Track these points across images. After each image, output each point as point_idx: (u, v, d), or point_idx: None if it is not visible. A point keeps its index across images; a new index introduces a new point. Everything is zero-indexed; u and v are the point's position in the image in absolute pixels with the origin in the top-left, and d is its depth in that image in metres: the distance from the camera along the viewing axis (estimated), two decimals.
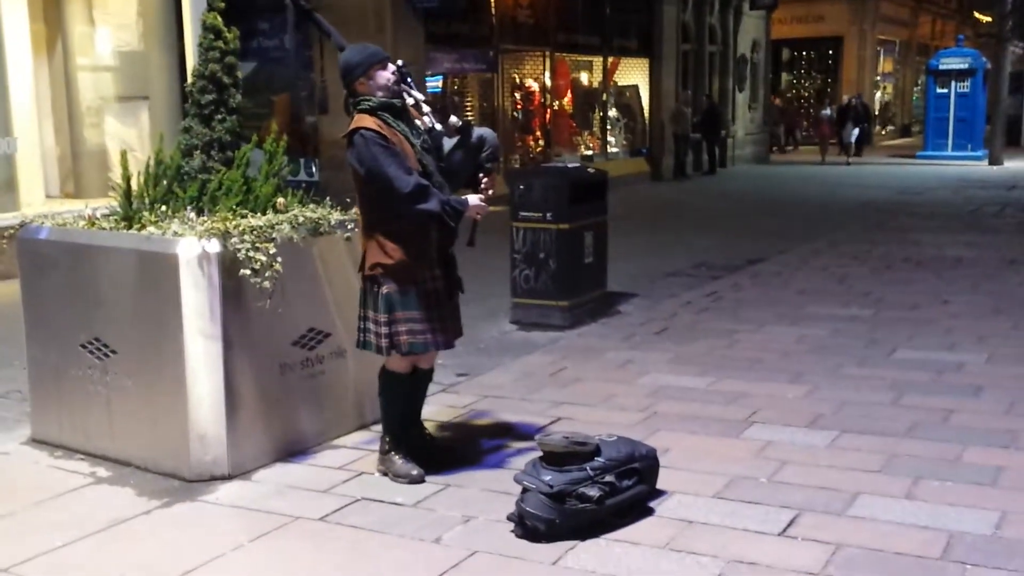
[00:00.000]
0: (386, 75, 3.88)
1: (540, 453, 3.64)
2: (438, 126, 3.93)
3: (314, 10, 4.17)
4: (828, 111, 23.93)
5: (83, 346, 4.31)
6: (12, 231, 4.64)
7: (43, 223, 4.56)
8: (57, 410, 4.51)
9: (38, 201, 9.60)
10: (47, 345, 4.52)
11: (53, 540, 3.52)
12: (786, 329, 6.68)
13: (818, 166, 22.60)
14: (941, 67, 24.75)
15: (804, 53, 32.91)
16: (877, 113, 32.79)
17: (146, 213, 4.31)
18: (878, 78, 33.86)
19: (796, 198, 16.13)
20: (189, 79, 4.68)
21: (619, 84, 19.79)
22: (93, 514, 3.75)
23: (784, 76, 32.94)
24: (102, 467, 4.23)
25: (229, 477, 4.06)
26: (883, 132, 33.27)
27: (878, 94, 33.95)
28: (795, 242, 10.75)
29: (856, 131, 23.49)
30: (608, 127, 19.29)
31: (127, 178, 4.40)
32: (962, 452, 4.28)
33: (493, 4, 15.43)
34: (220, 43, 4.48)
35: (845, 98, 24.76)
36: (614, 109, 19.58)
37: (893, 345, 6.17)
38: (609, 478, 3.54)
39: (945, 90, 24.51)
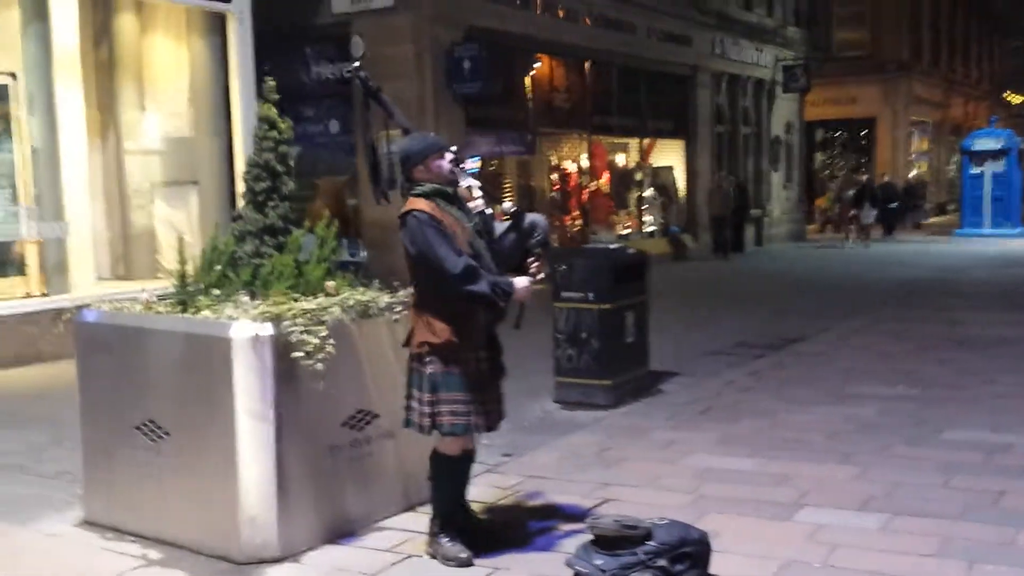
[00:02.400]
0: (443, 164, 4.00)
1: (590, 536, 3.62)
2: (489, 210, 4.02)
3: (380, 90, 4.31)
4: (851, 192, 23.48)
5: (137, 427, 4.37)
6: (69, 314, 4.76)
7: (100, 307, 4.68)
8: (109, 491, 4.56)
9: (89, 283, 9.83)
10: (101, 426, 4.59)
11: None
12: (832, 409, 6.62)
13: (859, 245, 22.16)
14: (975, 148, 24.81)
15: (838, 133, 33.13)
16: (908, 191, 32.66)
17: (201, 297, 4.42)
18: (912, 157, 33.95)
19: (834, 277, 16.08)
20: (240, 165, 4.83)
21: (654, 165, 20.02)
22: None
23: (818, 156, 33.12)
24: (153, 549, 4.25)
25: (279, 560, 4.06)
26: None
27: (912, 173, 33.96)
28: (835, 321, 10.69)
29: (874, 212, 22.68)
30: (644, 207, 19.46)
31: (183, 263, 4.52)
32: (1016, 535, 4.20)
33: (530, 89, 15.78)
34: (274, 133, 4.63)
35: (864, 178, 24.24)
36: (650, 189, 19.78)
37: (940, 425, 6.09)
38: (662, 563, 3.51)
39: (979, 169, 24.50)
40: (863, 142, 32.63)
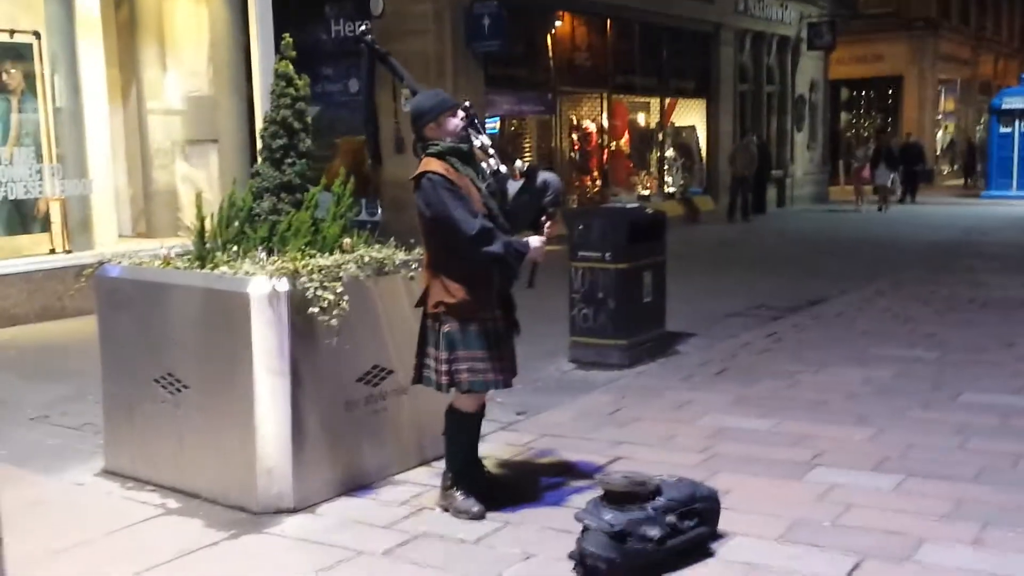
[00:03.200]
0: (455, 121, 4.00)
1: (601, 492, 3.66)
2: (503, 168, 4.02)
3: (388, 54, 4.30)
4: (860, 152, 22.82)
5: (156, 381, 4.44)
6: (91, 269, 4.82)
7: (120, 262, 4.73)
8: (129, 443, 4.65)
9: (112, 240, 9.91)
10: (121, 380, 4.67)
11: (123, 570, 3.62)
12: (850, 371, 6.61)
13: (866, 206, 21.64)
14: (1004, 106, 24.42)
15: (863, 92, 32.67)
16: (939, 153, 32.27)
17: (219, 253, 4.45)
18: (939, 117, 33.46)
19: (857, 238, 15.96)
20: (260, 124, 4.83)
21: (676, 125, 19.85)
22: (162, 545, 3.85)
23: (843, 115, 32.69)
24: (172, 499, 4.34)
25: (294, 510, 4.14)
26: (945, 172, 32.79)
27: (939, 133, 33.50)
28: (857, 283, 10.63)
29: (892, 175, 21.95)
30: (665, 167, 19.33)
31: (202, 219, 4.55)
32: None
33: (551, 48, 15.65)
34: (291, 90, 4.62)
35: (875, 139, 23.67)
36: (671, 149, 19.62)
37: (959, 388, 6.07)
38: (671, 519, 3.54)
39: (1009, 129, 24.15)
40: (889, 101, 32.15)
